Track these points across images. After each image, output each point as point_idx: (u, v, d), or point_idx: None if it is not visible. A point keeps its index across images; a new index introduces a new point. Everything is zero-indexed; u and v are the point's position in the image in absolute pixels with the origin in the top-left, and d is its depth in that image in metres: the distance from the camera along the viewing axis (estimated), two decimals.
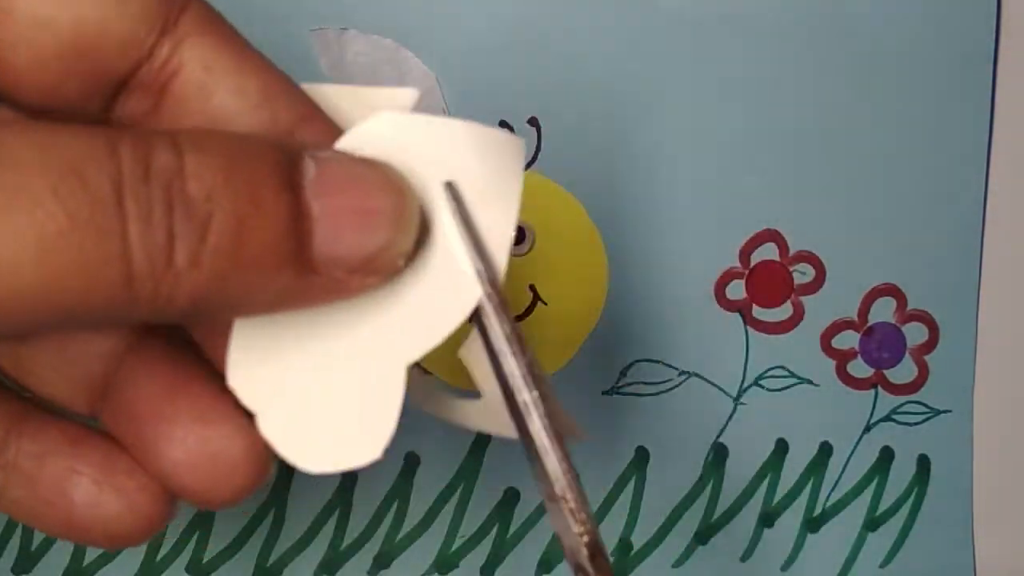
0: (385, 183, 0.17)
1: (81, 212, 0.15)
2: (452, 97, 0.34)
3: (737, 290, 0.36)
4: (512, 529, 0.36)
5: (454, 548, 0.36)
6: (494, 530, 0.36)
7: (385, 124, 0.18)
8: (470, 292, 0.18)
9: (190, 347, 0.20)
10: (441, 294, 0.18)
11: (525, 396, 0.19)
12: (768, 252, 0.36)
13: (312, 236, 0.17)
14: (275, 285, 0.17)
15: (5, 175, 0.15)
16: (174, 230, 0.16)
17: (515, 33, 0.34)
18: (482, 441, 0.36)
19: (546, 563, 0.36)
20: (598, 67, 0.34)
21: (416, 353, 0.18)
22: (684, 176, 0.35)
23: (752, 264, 0.36)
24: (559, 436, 0.18)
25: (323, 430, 0.18)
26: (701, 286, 0.36)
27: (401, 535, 0.36)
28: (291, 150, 0.17)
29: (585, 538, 0.18)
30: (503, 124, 0.34)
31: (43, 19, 0.17)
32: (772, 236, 0.36)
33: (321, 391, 0.18)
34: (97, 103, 0.19)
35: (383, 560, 0.36)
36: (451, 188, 0.18)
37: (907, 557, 0.38)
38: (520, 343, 0.18)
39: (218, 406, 0.19)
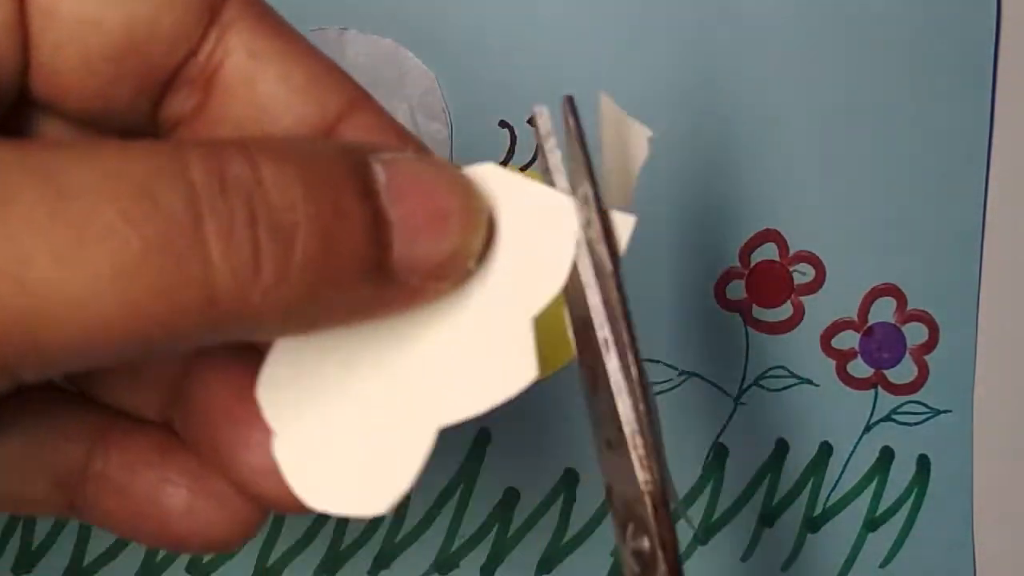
0: (453, 182, 0.17)
1: (156, 234, 0.14)
2: (452, 97, 0.34)
3: (737, 290, 0.36)
4: (512, 529, 0.36)
5: (454, 548, 0.36)
6: (494, 530, 0.36)
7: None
8: (527, 371, 0.17)
9: (256, 348, 0.19)
10: (497, 363, 0.18)
11: (606, 332, 0.18)
12: (768, 252, 0.36)
13: (391, 243, 0.16)
14: (358, 295, 0.16)
15: (72, 206, 0.14)
16: (259, 244, 0.15)
17: (515, 33, 0.34)
18: (482, 441, 0.36)
19: (546, 563, 0.36)
20: (598, 67, 0.34)
21: (455, 417, 0.18)
22: (684, 176, 0.35)
23: (752, 264, 0.36)
24: (641, 379, 0.17)
25: (335, 469, 0.18)
26: (701, 286, 0.36)
27: (401, 535, 0.36)
28: (359, 154, 0.16)
29: (650, 487, 0.17)
30: (503, 124, 0.34)
31: (90, 19, 0.17)
32: (772, 236, 0.36)
33: (345, 428, 0.18)
34: (145, 103, 0.18)
35: (383, 560, 0.36)
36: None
37: (907, 557, 0.38)
38: (617, 279, 0.18)
39: None
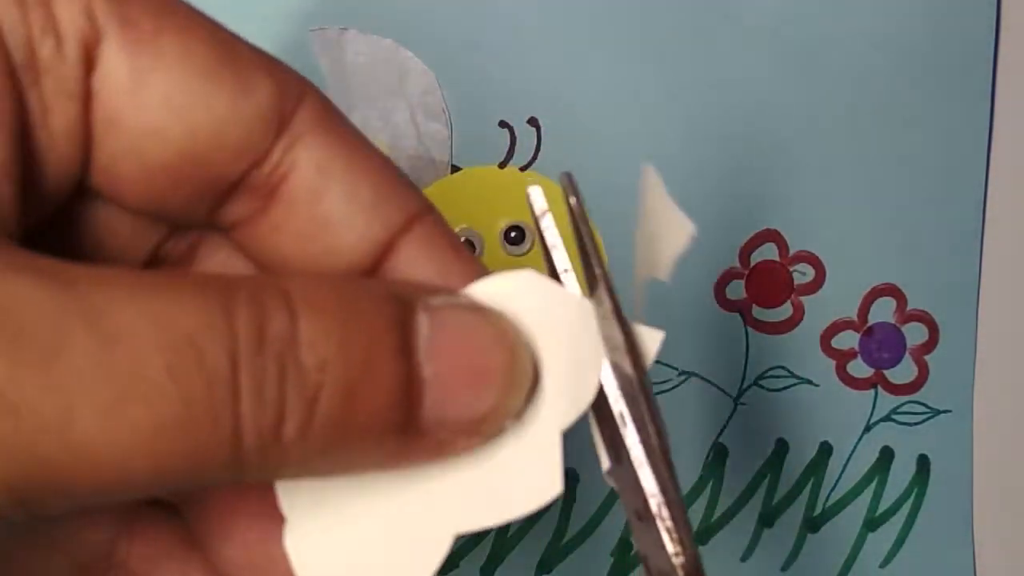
0: (499, 338, 0.16)
1: (197, 394, 0.14)
2: (452, 97, 0.34)
3: (737, 290, 0.36)
4: (512, 529, 0.36)
5: (454, 548, 0.36)
6: (494, 530, 0.36)
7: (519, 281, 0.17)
8: (551, 487, 0.17)
9: None
10: (522, 476, 0.17)
11: (622, 407, 0.17)
12: (768, 252, 0.36)
13: (422, 401, 0.16)
14: (379, 450, 0.16)
15: (119, 357, 0.14)
16: (285, 404, 0.15)
17: (515, 33, 0.34)
18: None
19: (546, 563, 0.36)
20: (598, 67, 0.34)
21: (473, 526, 0.17)
22: (684, 176, 0.35)
23: (752, 264, 0.36)
24: (662, 451, 0.17)
25: (345, 567, 0.17)
26: (701, 286, 0.36)
27: None
28: (406, 301, 0.16)
29: (681, 559, 0.17)
30: (503, 124, 0.34)
31: (152, 130, 0.16)
32: (772, 236, 0.36)
33: (360, 526, 0.17)
34: (204, 208, 0.18)
35: None
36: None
37: (907, 557, 0.38)
38: (632, 354, 0.17)
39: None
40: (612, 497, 0.36)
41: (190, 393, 0.14)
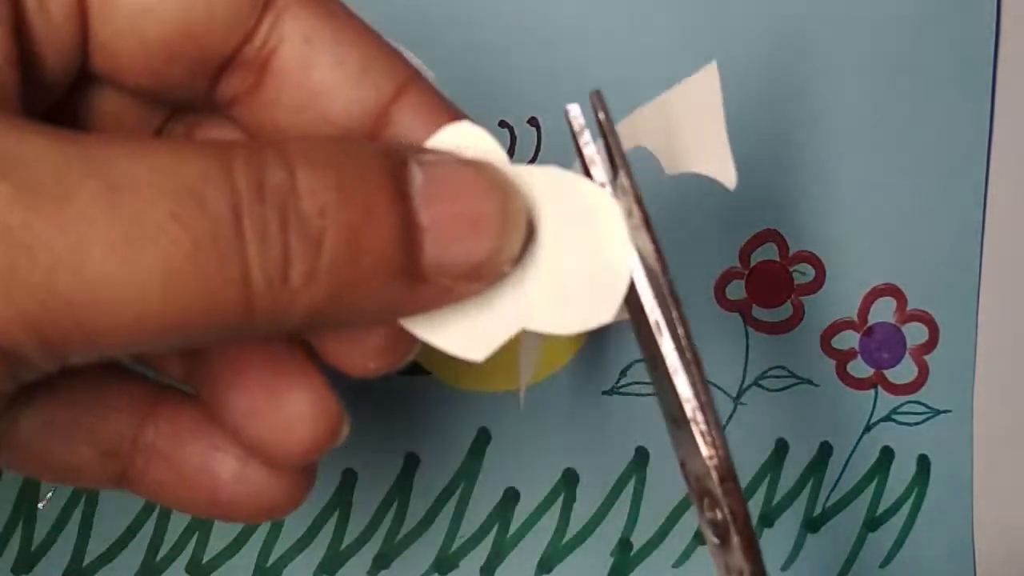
0: (491, 186, 0.17)
1: (204, 237, 0.15)
2: (452, 97, 0.34)
3: (737, 290, 0.36)
4: (512, 529, 0.36)
5: (454, 548, 0.36)
6: (494, 530, 0.36)
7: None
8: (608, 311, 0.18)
9: None
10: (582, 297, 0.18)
11: (657, 316, 0.18)
12: (768, 252, 0.36)
13: (422, 246, 0.16)
14: (386, 296, 0.16)
15: (124, 200, 0.14)
16: (290, 249, 0.15)
17: (515, 33, 0.34)
18: (482, 441, 0.36)
19: (546, 563, 0.36)
20: (598, 67, 0.34)
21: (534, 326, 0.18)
22: (684, 176, 0.35)
23: (752, 264, 0.36)
24: (694, 358, 0.18)
25: (447, 320, 0.18)
26: (701, 286, 0.36)
27: (401, 535, 0.36)
28: (397, 155, 0.17)
29: (715, 461, 0.18)
30: (503, 124, 0.34)
31: (147, 7, 0.17)
32: (772, 236, 0.36)
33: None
34: (200, 84, 0.19)
35: (383, 560, 0.36)
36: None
37: (907, 557, 0.38)
38: (661, 263, 0.18)
39: (292, 362, 0.19)
40: (612, 497, 0.36)
41: (196, 236, 0.15)
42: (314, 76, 0.18)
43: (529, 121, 0.34)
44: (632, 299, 0.19)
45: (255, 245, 0.15)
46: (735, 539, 0.18)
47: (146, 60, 0.18)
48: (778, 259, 0.36)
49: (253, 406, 0.19)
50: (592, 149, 0.19)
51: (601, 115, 0.18)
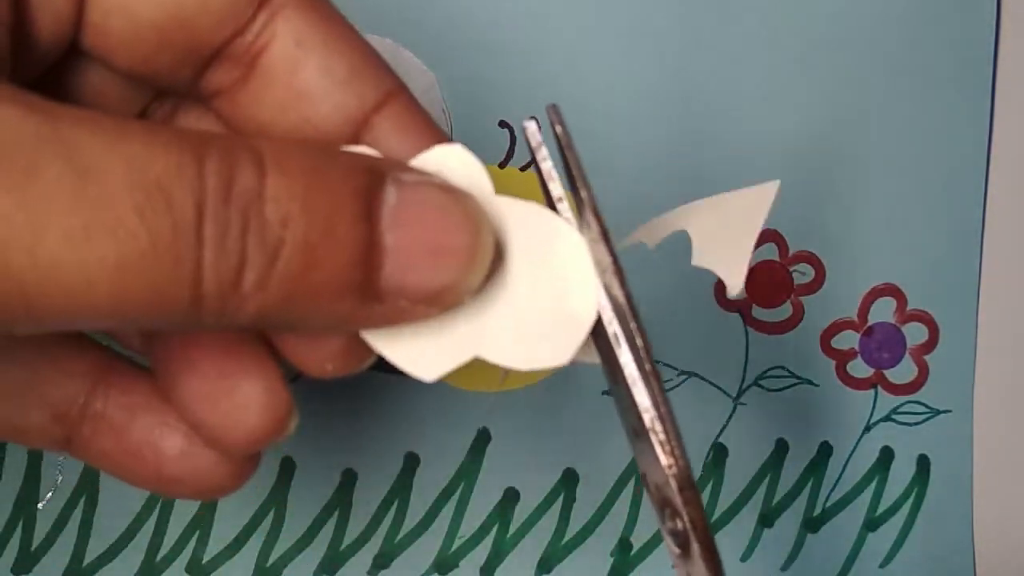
0: (464, 219, 0.17)
1: (163, 235, 0.15)
2: (452, 97, 0.34)
3: None
4: (512, 529, 0.36)
5: (454, 548, 0.36)
6: (494, 530, 0.36)
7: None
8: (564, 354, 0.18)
9: None
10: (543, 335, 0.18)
11: (616, 327, 0.18)
12: (768, 252, 0.36)
13: (382, 267, 0.16)
14: (338, 310, 0.17)
15: (91, 190, 0.14)
16: (246, 255, 0.15)
17: (515, 33, 0.34)
18: (482, 441, 0.36)
19: (546, 563, 0.36)
20: (598, 67, 0.34)
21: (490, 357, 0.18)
22: (684, 176, 0.35)
23: (752, 264, 0.36)
24: (653, 369, 0.18)
25: (407, 339, 0.18)
26: (701, 286, 0.36)
27: (401, 535, 0.36)
28: (376, 173, 0.17)
29: (674, 470, 0.18)
30: (503, 124, 0.34)
31: None
32: (772, 236, 0.36)
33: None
34: (188, 73, 0.19)
35: (383, 560, 0.36)
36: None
37: (907, 557, 0.38)
38: (619, 276, 0.18)
39: (248, 350, 0.19)
40: (612, 497, 0.36)
41: (155, 234, 0.15)
42: (300, 78, 0.19)
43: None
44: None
45: (212, 249, 0.15)
46: (695, 547, 0.18)
47: (137, 42, 0.18)
48: (778, 259, 0.36)
49: (205, 389, 0.19)
50: (549, 164, 0.19)
51: (558, 128, 0.19)
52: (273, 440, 0.19)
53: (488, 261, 0.17)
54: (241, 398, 0.19)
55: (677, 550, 0.19)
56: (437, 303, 0.17)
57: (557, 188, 0.19)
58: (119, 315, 0.15)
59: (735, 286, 0.20)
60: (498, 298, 0.18)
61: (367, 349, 0.19)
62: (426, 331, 0.18)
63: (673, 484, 0.18)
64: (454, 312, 0.18)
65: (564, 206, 0.19)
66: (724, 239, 0.21)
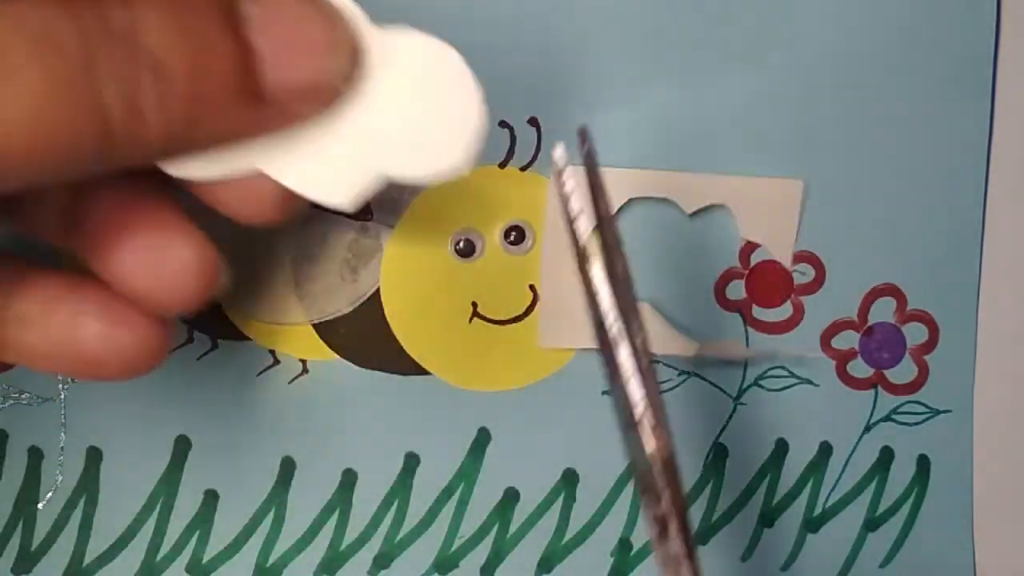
0: (317, 13, 0.19)
1: (59, 72, 0.16)
2: None
3: (737, 290, 0.36)
4: (512, 529, 0.36)
5: (454, 548, 0.36)
6: (494, 530, 0.36)
7: None
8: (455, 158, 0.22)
9: (147, 176, 0.22)
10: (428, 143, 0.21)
11: (619, 326, 0.19)
12: (768, 252, 0.36)
13: (258, 71, 0.19)
14: (232, 117, 0.19)
15: None
16: (140, 81, 0.17)
17: (515, 33, 0.34)
18: (482, 441, 0.36)
19: (546, 563, 0.36)
20: (598, 66, 0.34)
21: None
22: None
23: (752, 264, 0.36)
24: (648, 367, 0.19)
25: (307, 168, 0.21)
26: (701, 286, 0.36)
27: (401, 535, 0.36)
28: None
29: (657, 453, 0.19)
30: (503, 124, 0.34)
31: None
32: None
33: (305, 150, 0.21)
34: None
35: (383, 560, 0.36)
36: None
37: (907, 557, 0.38)
38: (625, 279, 0.20)
39: (170, 217, 0.21)
40: (612, 497, 0.36)
41: (53, 72, 0.16)
42: None
43: (529, 121, 0.34)
44: (596, 314, 0.20)
45: (106, 80, 0.17)
46: (673, 525, 0.19)
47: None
48: (778, 259, 0.36)
49: (140, 263, 0.21)
50: (571, 184, 0.21)
51: (586, 148, 0.21)
52: (210, 294, 0.21)
53: (349, 45, 0.20)
54: (176, 264, 0.21)
55: (655, 532, 0.20)
56: (316, 96, 0.20)
57: (576, 204, 0.21)
58: (38, 162, 0.17)
59: (784, 259, 0.22)
60: (388, 115, 0.21)
61: (292, 193, 0.21)
62: (326, 155, 0.20)
63: (658, 465, 0.19)
64: (347, 131, 0.20)
65: (583, 219, 0.21)
66: (769, 220, 0.24)
